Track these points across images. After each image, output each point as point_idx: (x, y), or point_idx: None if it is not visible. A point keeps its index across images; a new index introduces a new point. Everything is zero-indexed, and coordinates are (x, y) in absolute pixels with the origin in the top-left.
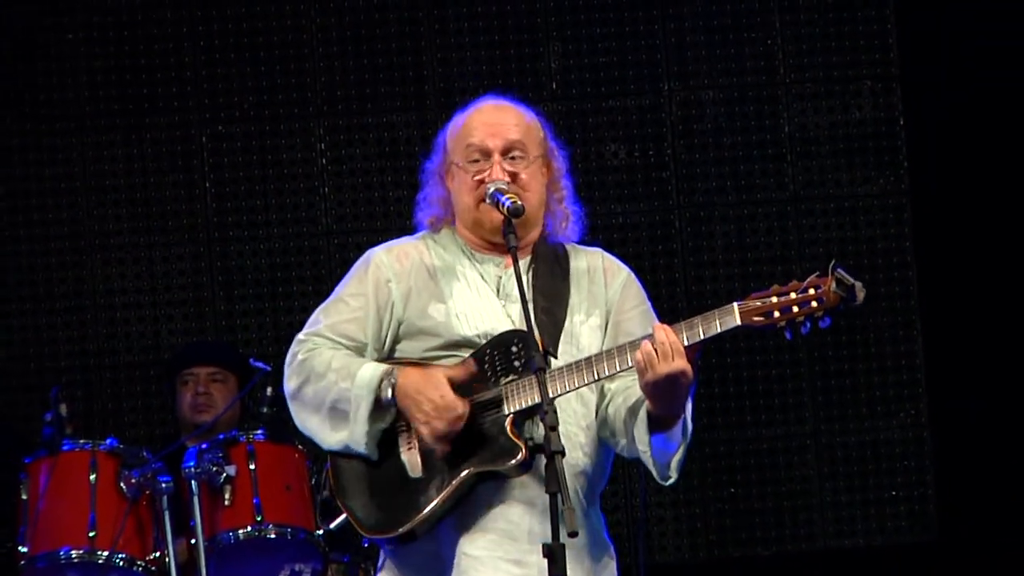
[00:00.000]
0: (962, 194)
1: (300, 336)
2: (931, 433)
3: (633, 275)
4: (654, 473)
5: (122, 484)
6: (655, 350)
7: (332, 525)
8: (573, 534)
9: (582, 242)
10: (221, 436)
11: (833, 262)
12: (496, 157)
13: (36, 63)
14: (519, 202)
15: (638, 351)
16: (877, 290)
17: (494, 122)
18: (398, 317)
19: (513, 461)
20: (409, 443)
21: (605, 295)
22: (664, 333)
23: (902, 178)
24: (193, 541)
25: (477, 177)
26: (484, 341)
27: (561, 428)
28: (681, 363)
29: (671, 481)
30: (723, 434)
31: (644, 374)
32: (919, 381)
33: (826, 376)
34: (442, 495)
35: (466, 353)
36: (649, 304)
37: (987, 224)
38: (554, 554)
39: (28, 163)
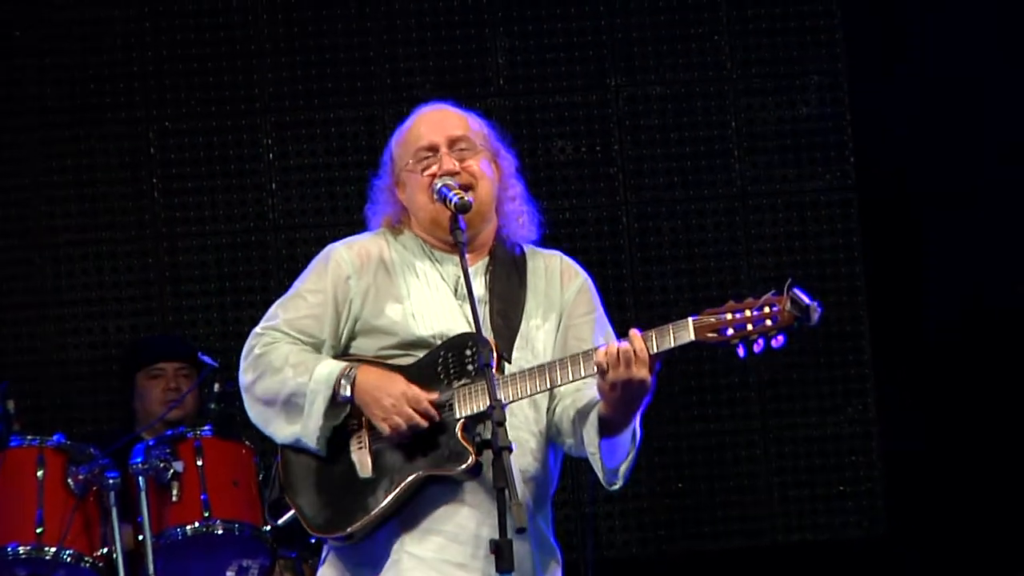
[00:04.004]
0: (909, 188)
1: (257, 330)
2: (879, 428)
3: (590, 281)
4: (600, 477)
5: (70, 480)
6: (626, 353)
7: (280, 521)
8: (521, 530)
9: (543, 242)
10: (169, 432)
11: (789, 281)
12: (443, 150)
13: None
14: (466, 198)
15: (604, 351)
16: (825, 285)
17: (436, 120)
18: (355, 314)
19: (463, 466)
20: (360, 443)
21: (560, 298)
22: (637, 340)
23: (849, 173)
24: (141, 537)
25: (427, 172)
26: (439, 341)
27: (513, 434)
28: (644, 371)
29: (617, 487)
30: (671, 428)
31: (606, 375)
32: (867, 376)
33: (774, 371)
34: (390, 497)
35: (420, 353)
36: (603, 311)
37: (934, 218)
38: (501, 550)
39: None
